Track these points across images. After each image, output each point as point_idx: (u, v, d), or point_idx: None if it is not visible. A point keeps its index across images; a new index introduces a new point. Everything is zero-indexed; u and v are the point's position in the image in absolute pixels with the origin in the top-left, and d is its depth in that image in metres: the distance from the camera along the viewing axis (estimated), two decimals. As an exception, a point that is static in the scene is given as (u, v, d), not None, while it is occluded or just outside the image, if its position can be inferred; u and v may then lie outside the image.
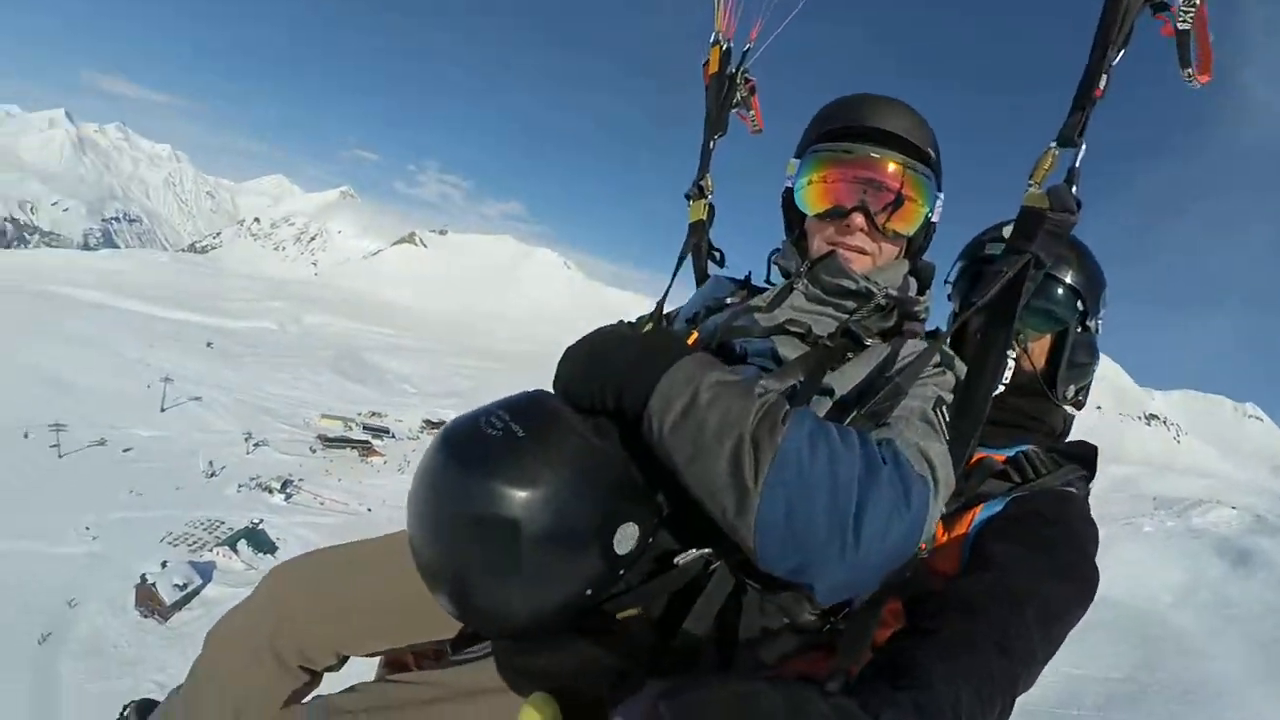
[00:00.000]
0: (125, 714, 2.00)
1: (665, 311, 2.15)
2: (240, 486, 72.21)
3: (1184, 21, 1.53)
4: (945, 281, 2.23)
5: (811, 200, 1.85)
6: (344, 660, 1.83)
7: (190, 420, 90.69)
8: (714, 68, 2.28)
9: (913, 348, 1.64)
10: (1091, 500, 1.84)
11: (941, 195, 1.86)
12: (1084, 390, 2.17)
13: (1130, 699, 47.58)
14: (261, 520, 64.36)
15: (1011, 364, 1.87)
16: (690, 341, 1.74)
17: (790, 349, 1.70)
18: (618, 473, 1.31)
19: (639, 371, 1.33)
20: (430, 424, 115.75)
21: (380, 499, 74.99)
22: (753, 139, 2.41)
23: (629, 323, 1.96)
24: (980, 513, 1.75)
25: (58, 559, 50.08)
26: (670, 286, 2.15)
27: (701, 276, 2.35)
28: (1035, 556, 1.58)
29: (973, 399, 1.51)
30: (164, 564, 52.70)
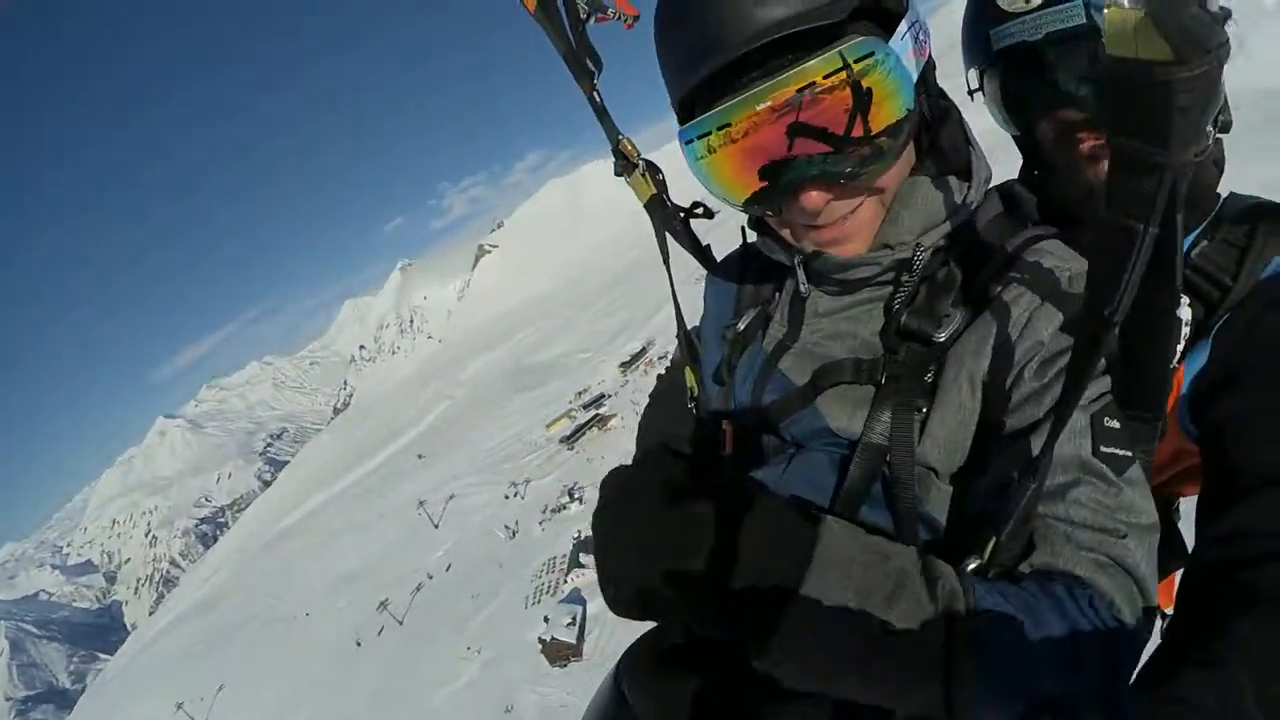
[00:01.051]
0: None
1: (694, 330, 1.64)
2: (547, 514, 74.98)
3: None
4: (970, 93, 1.63)
5: (725, 189, 1.16)
6: None
7: (463, 519, 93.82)
8: None
9: (1026, 310, 1.08)
10: None
11: (911, 30, 1.07)
12: (1224, 110, 1.39)
13: None
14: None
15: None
16: (727, 450, 1.36)
17: (844, 410, 1.16)
18: None
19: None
20: (631, 362, 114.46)
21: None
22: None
23: (675, 365, 1.66)
24: (1184, 373, 1.31)
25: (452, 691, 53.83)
26: (678, 307, 1.59)
27: (706, 260, 1.61)
28: None
29: (1143, 379, 1.05)
30: (546, 619, 55.45)
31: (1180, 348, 1.10)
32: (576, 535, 64.52)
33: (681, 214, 1.53)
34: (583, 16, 1.47)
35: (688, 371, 1.56)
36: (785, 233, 1.21)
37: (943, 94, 1.21)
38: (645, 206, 1.54)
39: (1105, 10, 0.72)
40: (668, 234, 1.54)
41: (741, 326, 1.41)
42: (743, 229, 1.45)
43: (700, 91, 1.06)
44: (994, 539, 0.95)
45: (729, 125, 1.04)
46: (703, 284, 1.46)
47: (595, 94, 1.49)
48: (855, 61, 0.99)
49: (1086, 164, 1.43)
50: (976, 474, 1.07)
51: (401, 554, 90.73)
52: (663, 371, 1.74)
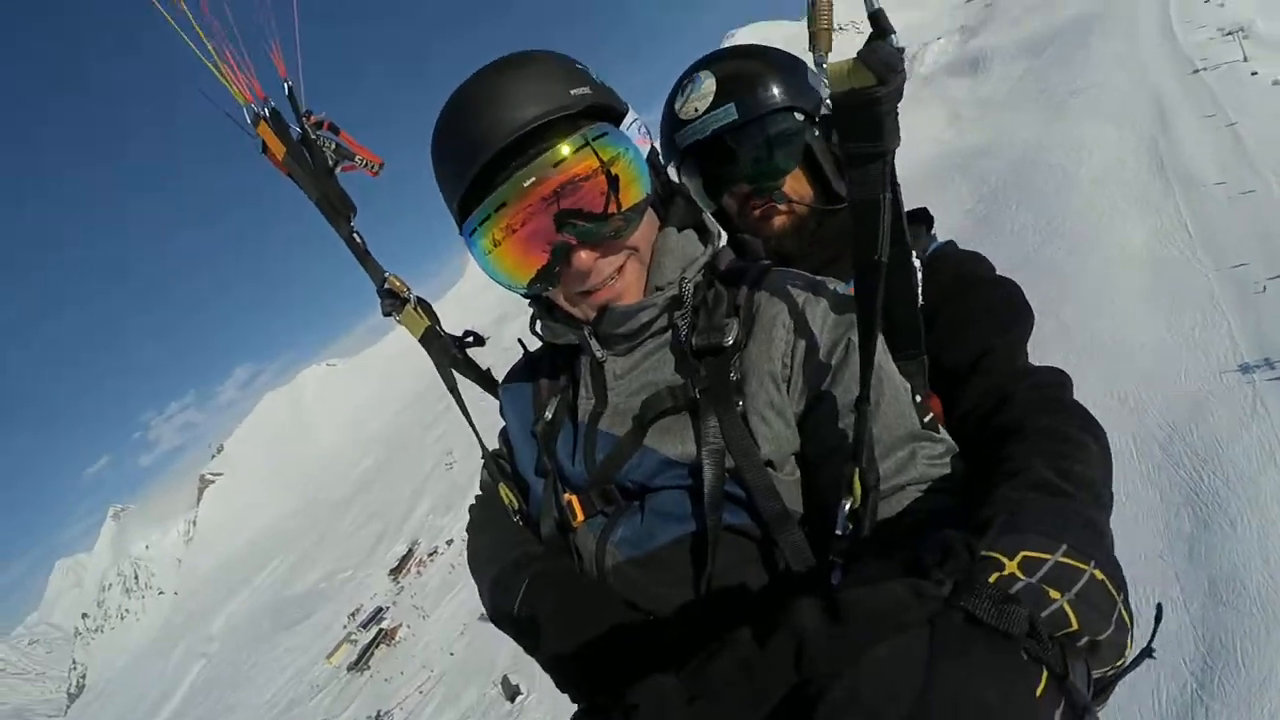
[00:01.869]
0: None
1: (496, 452, 1.74)
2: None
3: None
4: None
5: (510, 275, 1.33)
6: None
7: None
8: (279, 149, 1.62)
9: (794, 310, 1.33)
10: None
11: (635, 123, 1.35)
12: None
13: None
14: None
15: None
16: (579, 520, 1.39)
17: (675, 439, 1.29)
18: None
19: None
20: (400, 566, 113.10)
21: (441, 647, 73.86)
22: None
23: (486, 488, 1.72)
24: None
25: None
26: (476, 429, 1.76)
27: (488, 383, 1.83)
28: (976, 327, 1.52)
29: (901, 322, 1.33)
30: None
31: (919, 290, 1.38)
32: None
33: (457, 343, 1.76)
34: (330, 165, 1.66)
35: (502, 490, 1.60)
36: (568, 305, 1.38)
37: (676, 202, 1.45)
38: (420, 340, 1.72)
39: (825, 66, 1.05)
40: (455, 371, 1.74)
41: (549, 415, 1.49)
42: (520, 341, 1.66)
43: (474, 189, 1.25)
44: (855, 469, 1.14)
45: (505, 205, 1.23)
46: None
47: (355, 235, 1.67)
48: (594, 140, 1.24)
49: (761, 223, 1.85)
50: (813, 445, 1.26)
51: None
52: (472, 501, 1.77)
